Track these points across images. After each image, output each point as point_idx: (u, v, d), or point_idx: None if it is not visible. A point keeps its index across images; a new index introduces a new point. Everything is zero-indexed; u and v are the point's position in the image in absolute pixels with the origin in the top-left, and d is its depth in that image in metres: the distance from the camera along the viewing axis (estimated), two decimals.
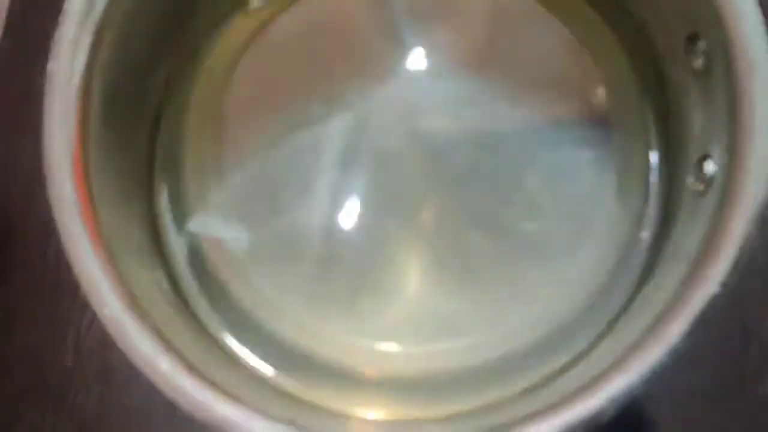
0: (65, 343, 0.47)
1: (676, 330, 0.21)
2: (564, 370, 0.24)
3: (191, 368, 0.22)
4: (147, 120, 0.28)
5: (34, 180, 0.54)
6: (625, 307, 0.25)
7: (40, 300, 0.48)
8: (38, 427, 0.46)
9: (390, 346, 0.27)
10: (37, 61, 0.58)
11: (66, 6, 0.24)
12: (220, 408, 0.21)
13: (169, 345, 0.23)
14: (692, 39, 0.25)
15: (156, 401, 0.50)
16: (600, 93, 0.29)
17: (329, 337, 0.27)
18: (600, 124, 0.29)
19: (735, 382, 0.44)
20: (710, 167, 0.24)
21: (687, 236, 0.24)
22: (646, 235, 0.27)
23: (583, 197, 0.28)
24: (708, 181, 0.24)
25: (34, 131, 0.55)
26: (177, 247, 0.28)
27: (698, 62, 0.25)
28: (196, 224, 0.28)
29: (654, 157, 0.28)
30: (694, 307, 0.21)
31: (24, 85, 0.56)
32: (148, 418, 0.46)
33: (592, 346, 0.24)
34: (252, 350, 0.27)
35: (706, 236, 0.22)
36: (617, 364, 0.21)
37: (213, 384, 0.22)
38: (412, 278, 0.28)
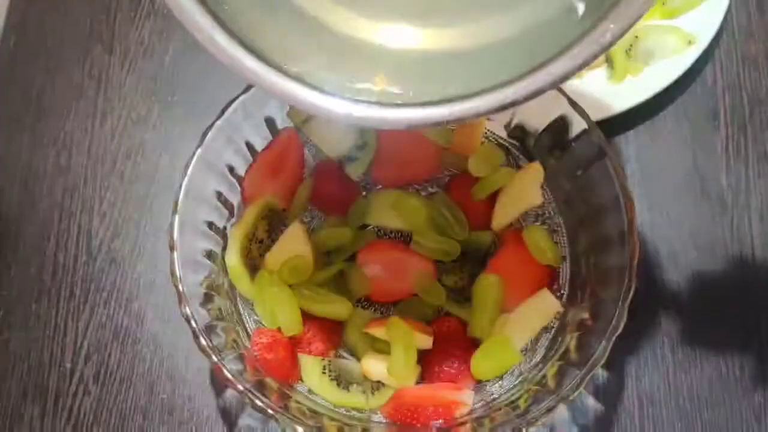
0: (65, 343, 0.47)
1: (559, 69, 0.28)
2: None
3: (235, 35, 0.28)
4: None
5: (34, 180, 0.54)
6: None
7: (39, 300, 0.48)
8: (37, 427, 0.46)
9: (389, 28, 0.31)
10: (37, 61, 0.59)
11: None
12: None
13: (217, 17, 0.28)
14: None
15: (154, 402, 0.50)
16: None
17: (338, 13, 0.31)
18: None
19: (738, 390, 0.44)
20: None
21: None
22: None
23: None
24: None
25: (34, 131, 0.55)
26: None
27: None
28: None
29: None
30: (581, 50, 0.28)
31: (24, 85, 0.56)
32: (146, 418, 0.46)
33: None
34: (275, 27, 0.30)
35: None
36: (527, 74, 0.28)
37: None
38: None
